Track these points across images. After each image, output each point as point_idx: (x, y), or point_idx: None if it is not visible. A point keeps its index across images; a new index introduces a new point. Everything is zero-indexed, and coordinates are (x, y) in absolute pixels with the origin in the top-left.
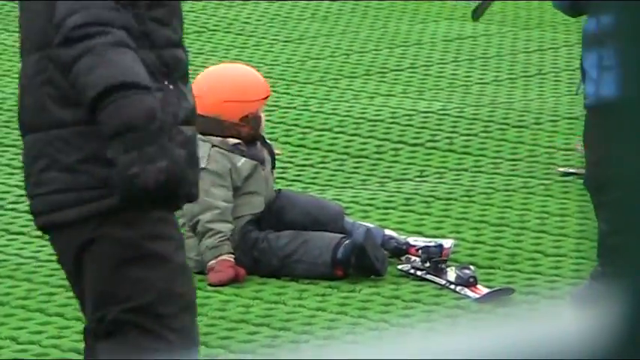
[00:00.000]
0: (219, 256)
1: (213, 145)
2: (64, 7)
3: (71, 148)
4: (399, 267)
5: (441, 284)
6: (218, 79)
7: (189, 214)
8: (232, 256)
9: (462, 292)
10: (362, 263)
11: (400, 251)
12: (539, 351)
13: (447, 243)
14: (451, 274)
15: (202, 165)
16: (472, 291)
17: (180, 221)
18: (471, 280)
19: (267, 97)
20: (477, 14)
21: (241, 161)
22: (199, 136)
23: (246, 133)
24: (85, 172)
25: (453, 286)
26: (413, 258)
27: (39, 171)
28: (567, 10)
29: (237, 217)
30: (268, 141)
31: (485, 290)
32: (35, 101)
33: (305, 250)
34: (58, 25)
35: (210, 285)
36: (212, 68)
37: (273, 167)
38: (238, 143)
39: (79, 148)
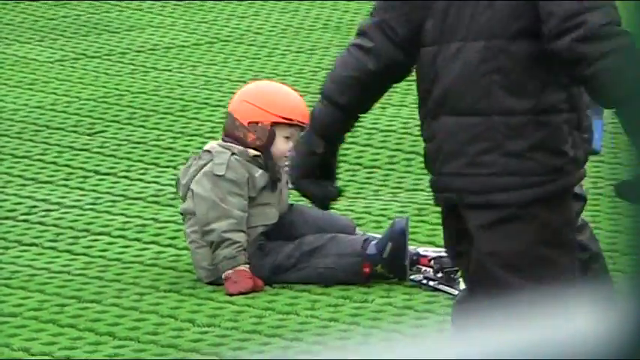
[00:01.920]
0: (236, 266)
1: (233, 154)
2: (572, 5)
3: (518, 135)
4: (411, 277)
5: (453, 294)
6: (255, 83)
7: (202, 219)
8: (248, 266)
9: None
10: (396, 253)
11: (411, 262)
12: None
13: None
14: (463, 284)
15: (221, 173)
16: None
17: (188, 229)
18: None
19: (288, 120)
20: None
21: (259, 172)
22: (220, 142)
23: (252, 142)
24: (532, 159)
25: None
26: (424, 268)
27: (476, 153)
28: None
29: (250, 228)
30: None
31: None
32: (478, 87)
33: (334, 243)
34: (564, 19)
35: (229, 295)
36: (266, 80)
37: (287, 182)
38: (257, 155)
39: (527, 137)
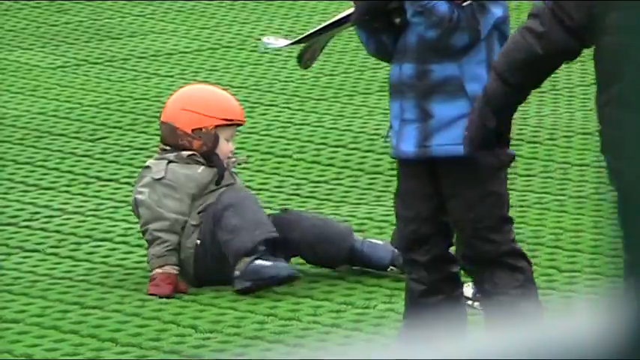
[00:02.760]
0: (164, 265)
1: (170, 161)
2: None
3: None
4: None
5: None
6: (186, 90)
7: (141, 220)
8: (177, 268)
9: (477, 307)
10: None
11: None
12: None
13: None
14: (467, 290)
15: (159, 176)
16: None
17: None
18: None
19: (229, 121)
20: (303, 62)
21: (200, 169)
22: (156, 156)
23: (198, 147)
24: None
25: (470, 302)
26: None
27: None
28: (373, 55)
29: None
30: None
31: None
32: None
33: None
34: None
35: (149, 294)
36: (194, 85)
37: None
38: (192, 154)
39: None
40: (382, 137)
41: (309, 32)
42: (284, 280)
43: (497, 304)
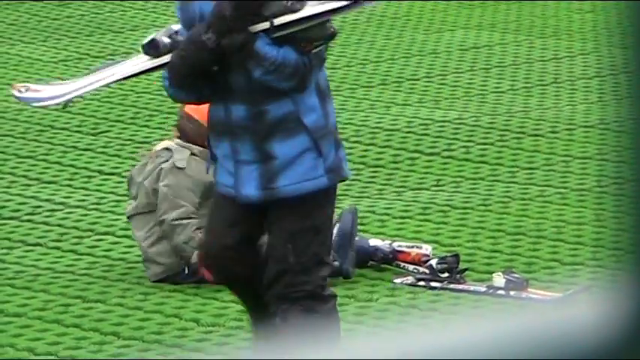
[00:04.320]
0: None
1: (192, 153)
2: None
3: None
4: (399, 281)
5: (480, 291)
6: None
7: (158, 211)
8: None
9: (517, 296)
10: (343, 235)
11: (388, 260)
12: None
13: (428, 249)
14: (498, 279)
15: (182, 165)
16: (528, 294)
17: (138, 232)
18: (525, 283)
19: None
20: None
21: None
22: (178, 141)
23: None
24: None
25: (502, 292)
26: (411, 267)
27: None
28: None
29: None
30: None
31: (538, 292)
32: None
33: None
34: None
35: (210, 282)
36: None
37: None
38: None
39: None
40: (207, 171)
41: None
42: None
43: (281, 336)
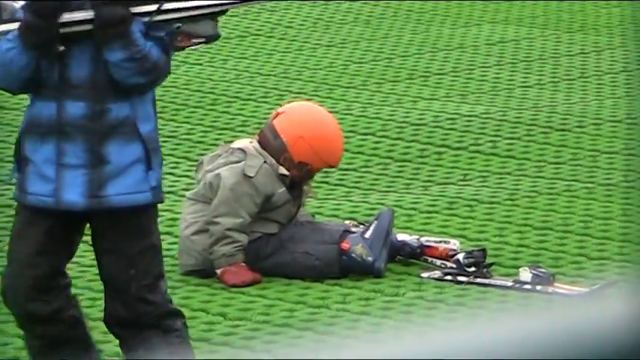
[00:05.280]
0: (233, 264)
1: (265, 162)
2: None
3: None
4: (426, 275)
5: (506, 286)
6: (313, 116)
7: (213, 209)
8: (244, 265)
9: (543, 291)
10: (378, 234)
11: (415, 254)
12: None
13: (455, 244)
14: (525, 274)
15: (251, 174)
16: (554, 288)
17: (189, 215)
18: (552, 278)
19: (331, 167)
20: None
21: (281, 189)
22: (257, 145)
23: (293, 176)
24: None
25: (529, 286)
26: (439, 262)
27: None
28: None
29: (251, 232)
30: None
31: (564, 287)
32: None
33: (313, 232)
34: None
35: (230, 285)
36: (318, 107)
37: (299, 206)
38: (285, 175)
39: None
40: (7, 181)
41: None
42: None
43: None
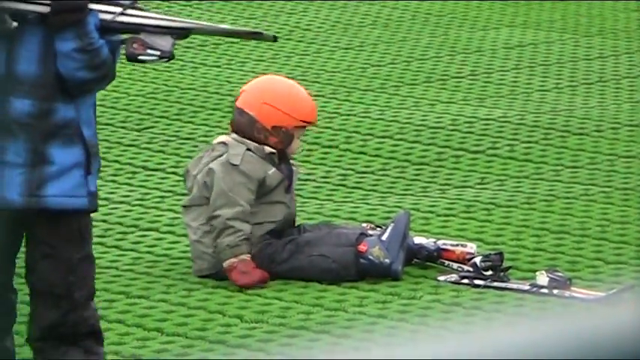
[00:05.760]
0: (239, 254)
1: (248, 149)
2: None
3: None
4: (443, 279)
5: (523, 290)
6: (270, 82)
7: (211, 203)
8: (249, 256)
9: (560, 295)
10: (395, 237)
11: (432, 257)
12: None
13: (473, 247)
14: (542, 278)
15: (236, 162)
16: (571, 292)
17: (192, 221)
18: (568, 282)
19: (309, 124)
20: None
21: (272, 170)
22: (235, 136)
23: (273, 144)
24: None
25: (546, 290)
26: (456, 265)
27: None
28: None
29: (256, 224)
30: (293, 162)
31: (581, 291)
32: None
33: (330, 235)
34: None
35: (239, 286)
36: (274, 76)
37: (290, 184)
38: (272, 153)
39: None
40: None
41: None
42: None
43: None
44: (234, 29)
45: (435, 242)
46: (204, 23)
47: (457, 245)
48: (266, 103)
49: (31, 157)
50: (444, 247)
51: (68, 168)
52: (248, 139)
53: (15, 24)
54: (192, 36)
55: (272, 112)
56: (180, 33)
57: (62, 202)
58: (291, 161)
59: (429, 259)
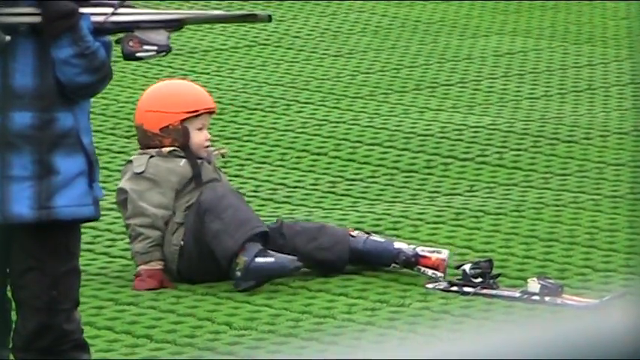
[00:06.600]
0: (149, 261)
1: (151, 156)
2: None
3: None
4: (432, 286)
5: (514, 297)
6: (149, 91)
7: (125, 214)
8: (162, 263)
9: (552, 302)
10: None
11: (410, 264)
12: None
13: (446, 253)
14: (533, 285)
15: (139, 170)
16: (563, 299)
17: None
18: (560, 289)
19: (194, 113)
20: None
21: (182, 162)
22: (139, 151)
23: (169, 144)
24: None
25: (537, 297)
26: (438, 274)
27: None
28: None
29: (188, 209)
30: (208, 151)
31: (573, 298)
32: None
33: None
34: None
35: (135, 290)
36: (160, 83)
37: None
38: (173, 149)
39: None
40: None
41: None
42: (290, 272)
43: None
44: (227, 14)
45: (414, 248)
46: (197, 12)
47: (433, 252)
48: (147, 110)
49: (38, 168)
50: (421, 253)
51: (73, 177)
52: (151, 149)
53: (8, 38)
54: (182, 42)
55: (154, 116)
56: (174, 25)
57: (73, 212)
58: (207, 151)
59: (407, 265)
